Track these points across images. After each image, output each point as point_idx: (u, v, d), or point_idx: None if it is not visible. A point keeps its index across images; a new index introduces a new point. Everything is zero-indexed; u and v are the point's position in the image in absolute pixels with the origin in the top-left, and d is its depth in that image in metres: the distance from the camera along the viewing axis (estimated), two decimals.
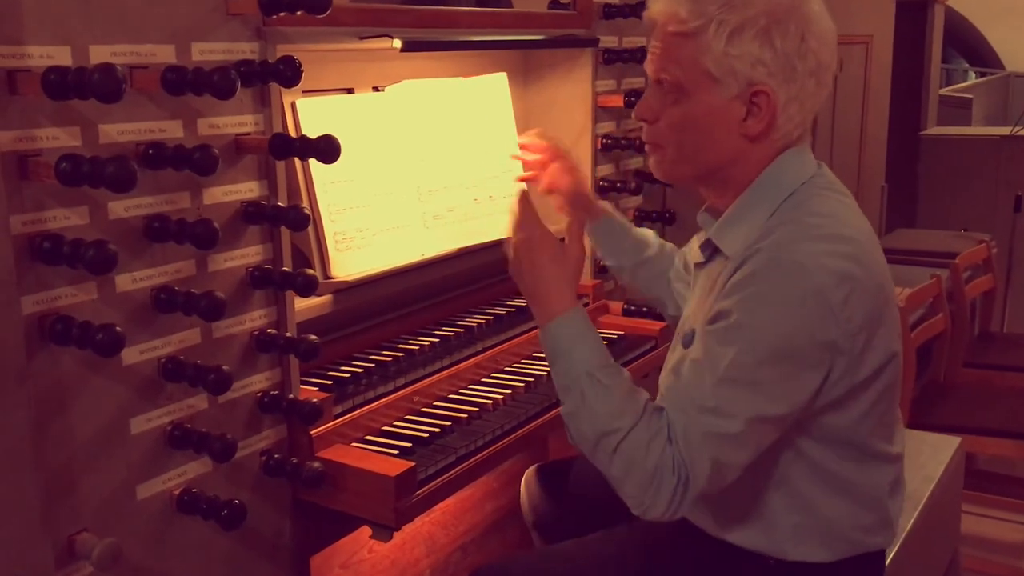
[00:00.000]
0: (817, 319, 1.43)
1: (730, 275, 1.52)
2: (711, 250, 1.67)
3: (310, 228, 1.95)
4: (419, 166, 2.21)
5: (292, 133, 1.88)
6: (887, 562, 1.98)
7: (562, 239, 1.66)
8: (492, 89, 2.38)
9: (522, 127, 2.63)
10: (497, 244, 2.35)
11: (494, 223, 2.34)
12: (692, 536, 1.70)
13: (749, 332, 1.45)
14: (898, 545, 2.04)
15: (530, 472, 2.21)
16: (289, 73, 1.52)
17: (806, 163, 1.59)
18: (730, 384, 1.44)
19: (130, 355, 1.47)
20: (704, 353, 1.49)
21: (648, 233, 2.17)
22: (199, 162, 1.39)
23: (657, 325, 2.50)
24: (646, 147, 1.66)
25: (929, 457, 2.45)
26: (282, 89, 1.86)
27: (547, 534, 2.11)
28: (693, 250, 1.81)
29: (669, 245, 2.17)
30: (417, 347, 2.11)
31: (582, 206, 2.14)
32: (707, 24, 1.49)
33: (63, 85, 1.22)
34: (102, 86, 1.18)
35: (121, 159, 1.22)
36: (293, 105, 1.93)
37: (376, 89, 2.17)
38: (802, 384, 1.47)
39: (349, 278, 1.98)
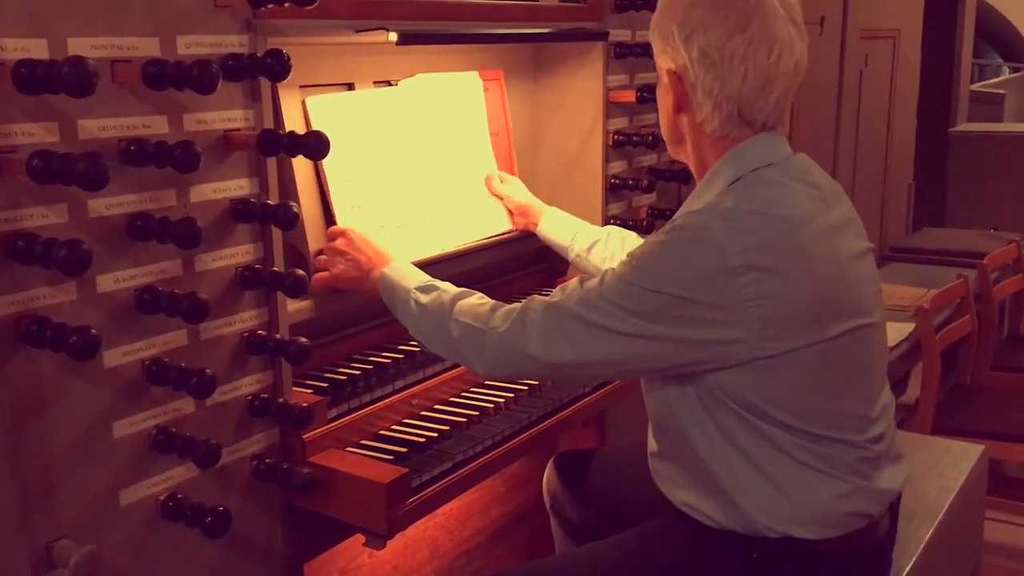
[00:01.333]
0: (705, 278, 1.47)
1: None
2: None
3: (319, 226, 1.92)
4: (432, 160, 2.16)
5: (299, 130, 1.84)
6: (904, 574, 1.91)
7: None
8: (466, 88, 2.32)
9: (533, 123, 2.58)
10: (512, 241, 2.32)
11: (486, 220, 2.31)
12: (697, 543, 1.64)
13: (637, 276, 1.51)
14: (915, 557, 1.96)
15: (553, 460, 2.29)
16: (278, 67, 1.47)
17: (769, 151, 1.60)
18: (606, 303, 1.52)
19: (112, 357, 1.43)
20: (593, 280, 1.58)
21: (604, 229, 2.28)
22: (180, 159, 1.35)
23: None
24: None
25: (949, 466, 2.36)
26: (284, 86, 1.84)
27: (564, 520, 2.21)
28: None
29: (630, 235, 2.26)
30: (418, 349, 2.05)
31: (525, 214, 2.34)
32: None
33: (33, 78, 1.17)
34: (72, 79, 1.14)
35: (92, 156, 1.17)
36: (304, 104, 1.90)
37: (382, 84, 2.12)
38: (671, 332, 1.50)
39: None
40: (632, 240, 2.22)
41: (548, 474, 2.27)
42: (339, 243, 1.85)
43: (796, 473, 1.56)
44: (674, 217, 1.60)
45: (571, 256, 2.27)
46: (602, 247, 2.21)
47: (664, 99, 1.69)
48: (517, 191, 2.34)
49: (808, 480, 1.57)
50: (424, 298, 1.74)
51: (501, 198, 2.32)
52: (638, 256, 1.54)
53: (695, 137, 1.66)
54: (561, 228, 2.29)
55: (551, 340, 1.57)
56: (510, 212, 2.34)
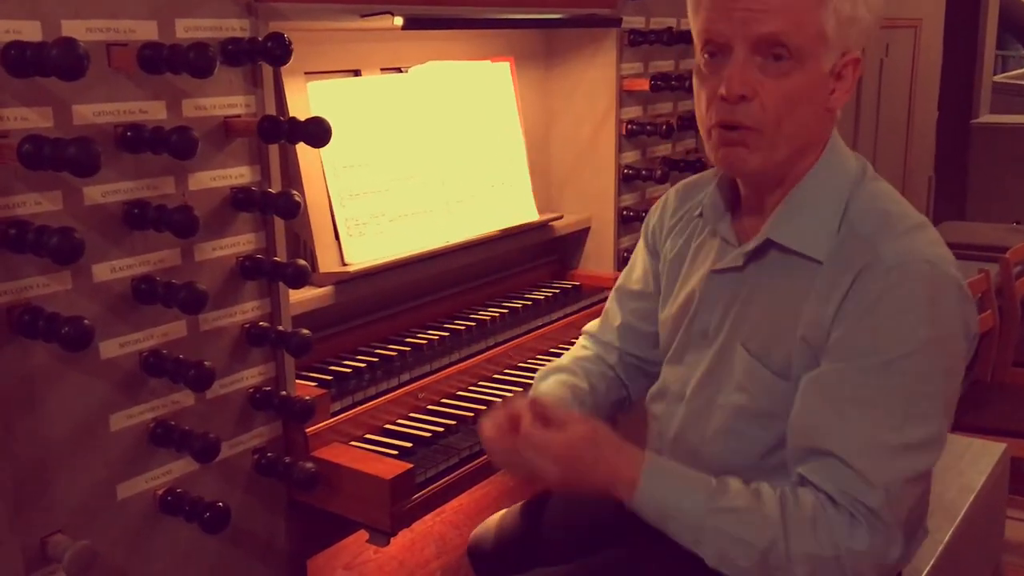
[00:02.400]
0: (963, 313, 1.33)
1: (842, 292, 1.31)
2: (754, 250, 1.42)
3: (326, 215, 1.88)
4: (441, 150, 2.12)
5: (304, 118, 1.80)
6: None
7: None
8: (496, 77, 2.29)
9: (544, 112, 2.53)
10: (523, 232, 2.27)
11: (511, 210, 2.26)
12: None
13: (915, 355, 1.28)
14: (933, 560, 1.91)
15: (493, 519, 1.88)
16: (279, 52, 1.43)
17: (845, 144, 1.45)
18: (919, 414, 1.29)
19: (109, 348, 1.39)
20: (861, 392, 1.29)
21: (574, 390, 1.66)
22: (177, 145, 1.31)
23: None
24: (731, 134, 1.34)
25: (969, 464, 2.30)
26: (289, 72, 1.80)
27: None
28: (692, 259, 1.57)
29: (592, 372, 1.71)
30: (425, 341, 2.02)
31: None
32: None
33: (23, 61, 1.14)
34: (61, 62, 1.10)
35: (83, 140, 1.13)
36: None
37: (390, 71, 2.08)
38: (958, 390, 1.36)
39: (363, 265, 1.90)
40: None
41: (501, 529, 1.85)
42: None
43: None
44: (836, 262, 1.34)
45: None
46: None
47: (818, 93, 1.34)
48: None
49: None
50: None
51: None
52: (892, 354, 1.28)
53: (823, 130, 1.40)
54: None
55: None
56: None
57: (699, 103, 1.40)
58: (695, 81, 1.41)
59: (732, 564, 1.31)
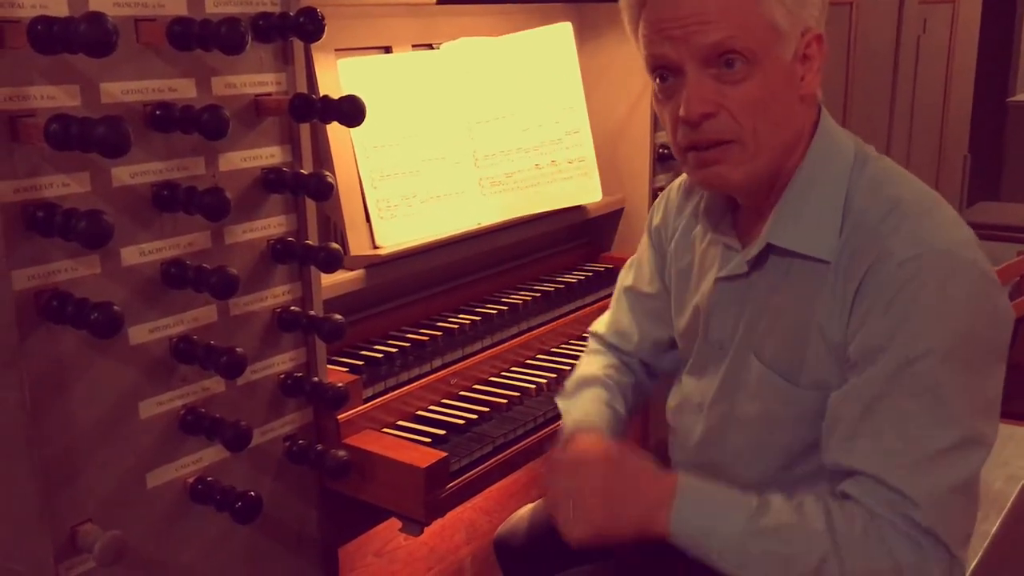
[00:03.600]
0: (988, 299, 1.21)
1: (854, 290, 1.23)
2: (761, 258, 1.34)
3: (356, 196, 1.84)
4: (475, 129, 2.07)
5: (334, 96, 1.76)
6: (970, 571, 1.80)
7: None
8: (555, 42, 2.21)
9: None
10: (555, 214, 2.22)
11: (556, 190, 2.20)
12: None
13: (935, 353, 1.18)
14: (980, 553, 1.85)
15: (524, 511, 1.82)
16: (311, 27, 1.38)
17: (837, 126, 1.34)
18: (949, 416, 1.18)
19: (138, 334, 1.36)
20: (891, 398, 1.20)
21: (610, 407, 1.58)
22: (208, 124, 1.27)
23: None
24: (706, 154, 1.25)
25: (1014, 454, 2.23)
26: (320, 49, 1.75)
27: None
28: (700, 265, 1.49)
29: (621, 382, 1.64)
30: (457, 326, 1.98)
31: None
32: None
33: (50, 36, 1.09)
34: (89, 37, 1.05)
35: (112, 120, 1.09)
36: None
37: (421, 47, 2.03)
38: (1000, 381, 1.24)
39: (394, 248, 1.86)
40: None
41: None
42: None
43: None
44: (843, 260, 1.25)
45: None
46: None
47: (787, 86, 1.24)
48: None
49: None
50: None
51: None
52: (924, 356, 1.18)
53: (799, 126, 1.30)
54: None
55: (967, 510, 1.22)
56: None
57: (666, 127, 1.31)
58: (655, 106, 1.32)
59: None
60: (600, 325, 1.73)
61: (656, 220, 1.62)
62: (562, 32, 2.21)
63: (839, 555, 1.18)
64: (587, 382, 1.60)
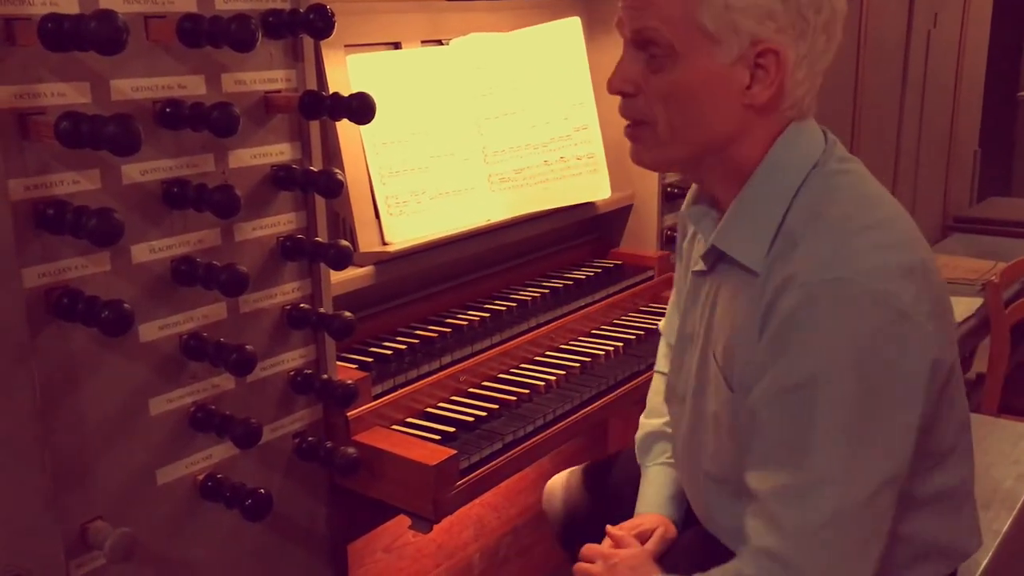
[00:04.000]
0: (886, 327, 1.17)
1: (768, 304, 1.23)
2: (715, 257, 1.37)
3: (366, 192, 1.83)
4: (485, 125, 2.07)
5: (343, 92, 1.75)
6: (980, 569, 1.80)
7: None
8: (564, 37, 2.21)
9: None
10: (564, 210, 2.21)
11: (565, 187, 2.20)
12: None
13: (823, 381, 1.17)
14: (992, 551, 1.84)
15: (559, 480, 1.92)
16: (321, 24, 1.37)
17: (814, 137, 1.31)
18: (825, 446, 1.18)
19: (148, 331, 1.36)
20: (773, 426, 1.22)
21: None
22: (218, 122, 1.26)
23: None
24: (626, 130, 1.33)
25: None
26: (329, 45, 1.75)
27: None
28: (690, 256, 1.52)
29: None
30: (466, 322, 1.97)
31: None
32: None
33: (60, 34, 1.09)
34: (100, 35, 1.05)
35: (123, 118, 1.09)
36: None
37: (430, 43, 2.02)
38: (903, 424, 1.21)
39: (403, 244, 1.85)
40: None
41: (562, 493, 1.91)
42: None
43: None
44: (765, 275, 1.26)
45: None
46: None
47: (717, 88, 1.25)
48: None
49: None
50: None
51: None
52: (807, 385, 1.19)
53: (744, 130, 1.29)
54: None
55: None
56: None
57: None
58: None
59: None
60: (663, 324, 1.78)
61: (683, 242, 1.60)
62: (571, 27, 2.20)
63: None
64: (658, 437, 1.69)
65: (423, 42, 2.00)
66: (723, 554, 1.37)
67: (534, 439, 1.73)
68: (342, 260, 1.47)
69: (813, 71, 1.27)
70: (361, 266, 1.78)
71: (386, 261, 1.82)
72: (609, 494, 1.81)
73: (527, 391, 1.83)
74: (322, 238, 1.55)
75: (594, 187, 2.23)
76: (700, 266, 1.41)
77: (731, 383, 1.33)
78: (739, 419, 1.31)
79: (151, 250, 1.34)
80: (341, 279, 1.70)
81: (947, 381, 1.28)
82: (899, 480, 1.22)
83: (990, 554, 1.83)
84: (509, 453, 1.68)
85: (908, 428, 1.21)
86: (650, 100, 1.27)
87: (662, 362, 1.77)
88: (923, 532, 1.36)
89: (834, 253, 1.20)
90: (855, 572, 1.22)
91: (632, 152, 1.35)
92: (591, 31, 2.41)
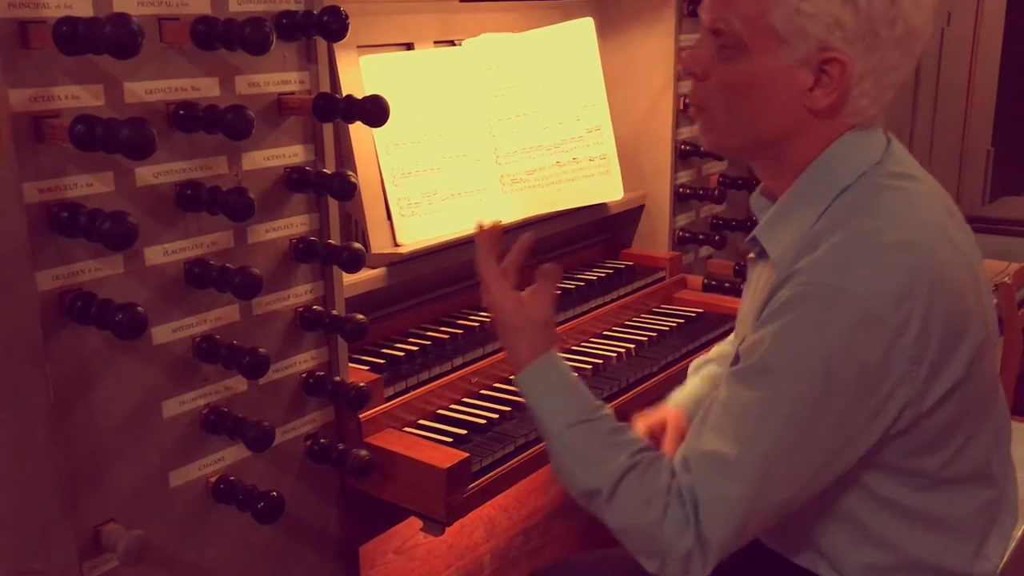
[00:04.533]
0: (865, 349, 1.19)
1: (770, 293, 1.28)
2: (759, 248, 1.41)
3: (378, 194, 1.83)
4: (497, 126, 2.06)
5: (357, 93, 1.75)
6: None
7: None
8: (577, 37, 2.20)
9: None
10: (576, 211, 2.21)
11: (578, 188, 2.19)
12: (769, 561, 1.50)
13: (783, 374, 1.21)
14: (1005, 557, 1.83)
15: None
16: (335, 26, 1.37)
17: (871, 146, 1.32)
18: (761, 440, 1.22)
19: (161, 333, 1.36)
20: (729, 395, 1.27)
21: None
22: (231, 124, 1.26)
23: (739, 302, 2.30)
24: (691, 108, 1.40)
25: None
26: (341, 46, 1.74)
27: None
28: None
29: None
30: (477, 323, 1.97)
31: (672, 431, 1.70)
32: None
33: (75, 38, 1.09)
34: (114, 38, 1.05)
35: (137, 121, 1.09)
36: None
37: (443, 44, 2.02)
38: (847, 427, 1.23)
39: (415, 246, 1.85)
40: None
41: None
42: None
43: (905, 534, 1.38)
44: (783, 268, 1.28)
45: None
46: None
47: (779, 87, 1.28)
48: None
49: (920, 540, 1.39)
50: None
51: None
52: (764, 368, 1.24)
53: (801, 130, 1.31)
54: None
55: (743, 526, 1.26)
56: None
57: None
58: None
59: (565, 482, 1.35)
60: None
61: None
62: (584, 28, 2.19)
63: (610, 501, 1.28)
64: (709, 360, 1.73)
65: (436, 43, 1.99)
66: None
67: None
68: (355, 263, 1.47)
69: (881, 84, 1.28)
70: (373, 267, 1.77)
71: (398, 262, 1.81)
72: None
73: None
74: (334, 240, 1.54)
75: (607, 188, 2.22)
76: (751, 254, 1.47)
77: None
78: None
79: (164, 252, 1.34)
80: (353, 280, 1.70)
81: (927, 413, 1.27)
82: (812, 491, 1.27)
83: (1004, 559, 1.82)
84: (521, 456, 1.68)
85: (847, 444, 1.24)
86: (714, 87, 1.32)
87: None
88: (910, 546, 1.37)
89: (843, 262, 1.22)
90: (742, 538, 1.26)
91: (698, 132, 1.41)
92: (604, 31, 2.41)
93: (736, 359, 1.36)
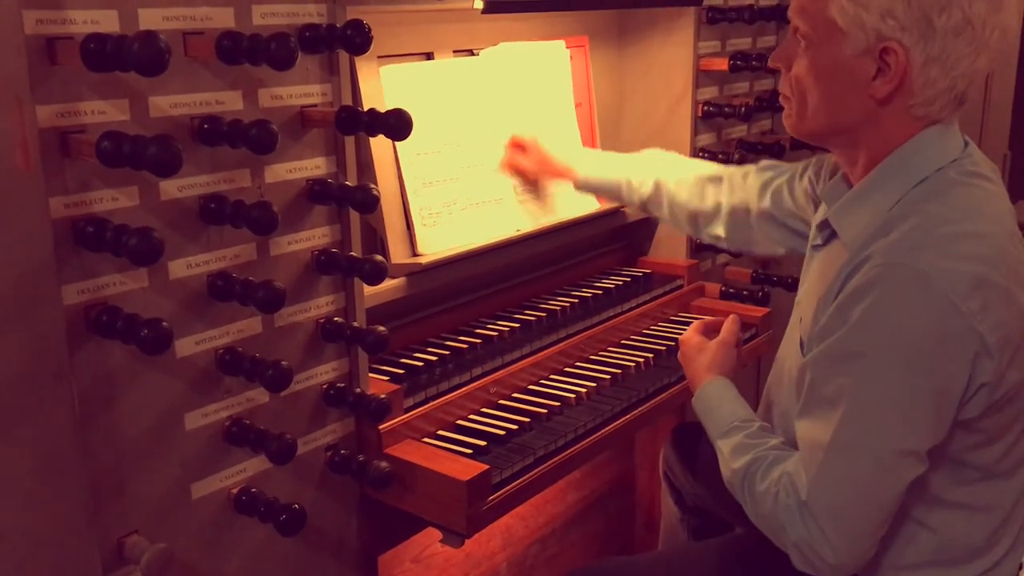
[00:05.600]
0: (950, 326, 1.24)
1: (845, 277, 1.33)
2: (828, 232, 1.50)
3: (397, 204, 1.83)
4: (512, 135, 2.06)
5: (377, 103, 1.75)
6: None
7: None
8: (555, 57, 2.21)
9: (617, 93, 2.45)
10: (592, 219, 2.20)
11: (589, 197, 2.19)
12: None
13: (867, 358, 1.27)
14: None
15: (672, 430, 2.23)
16: (358, 39, 1.37)
17: (949, 144, 1.38)
18: (857, 419, 1.29)
19: (185, 346, 1.36)
20: (820, 380, 1.34)
21: (652, 161, 2.07)
22: (256, 139, 1.26)
23: (758, 311, 2.30)
24: (780, 99, 1.51)
25: None
26: (362, 56, 1.74)
27: (674, 488, 2.16)
28: (813, 227, 1.62)
29: (702, 173, 2.00)
30: (496, 333, 1.97)
31: (552, 173, 2.08)
32: None
33: (102, 55, 1.09)
34: (142, 56, 1.05)
35: (163, 140, 1.09)
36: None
37: (462, 53, 2.02)
38: (940, 404, 1.28)
39: (435, 256, 1.85)
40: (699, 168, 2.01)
41: (666, 443, 2.19)
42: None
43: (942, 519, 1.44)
44: (856, 252, 1.34)
45: (635, 199, 2.05)
46: (685, 188, 1.99)
47: (846, 76, 1.35)
48: (540, 155, 2.06)
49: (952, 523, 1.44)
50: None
51: (523, 171, 2.07)
52: (851, 352, 1.30)
53: (871, 119, 1.37)
54: (606, 170, 2.07)
55: (853, 516, 1.34)
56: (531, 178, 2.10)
57: None
58: None
59: (731, 485, 1.49)
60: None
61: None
62: (557, 49, 2.20)
63: (747, 488, 1.43)
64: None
65: (455, 52, 1.99)
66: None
67: (565, 453, 1.72)
68: (377, 275, 1.47)
69: (950, 74, 1.31)
70: (393, 277, 1.78)
71: (417, 272, 1.81)
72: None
73: (558, 403, 1.82)
74: (356, 251, 1.54)
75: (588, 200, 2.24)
76: (817, 240, 1.55)
77: (804, 347, 1.46)
78: (803, 381, 1.40)
79: (188, 266, 1.35)
80: (373, 291, 1.70)
81: (998, 404, 1.32)
82: (916, 455, 1.31)
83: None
84: (541, 467, 1.67)
85: (932, 428, 1.30)
86: (793, 79, 1.43)
87: None
88: (948, 533, 1.43)
89: (918, 244, 1.28)
90: (862, 525, 1.33)
91: (783, 118, 1.51)
92: (623, 39, 2.41)
93: (801, 345, 1.48)
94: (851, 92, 1.36)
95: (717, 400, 1.59)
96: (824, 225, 1.50)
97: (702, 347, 1.69)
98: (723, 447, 1.51)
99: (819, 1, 1.35)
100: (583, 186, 2.09)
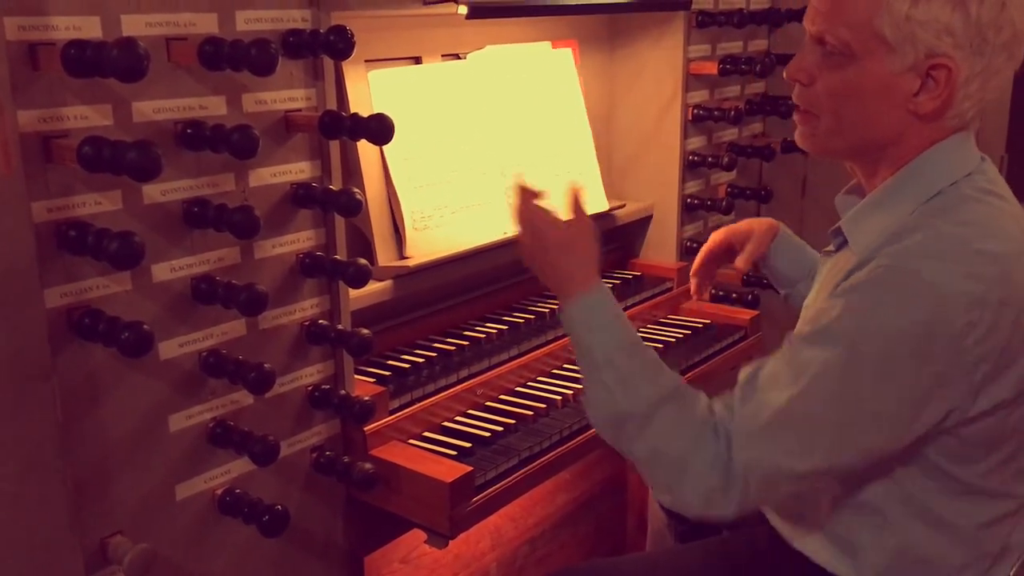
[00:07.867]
0: (928, 343, 1.23)
1: (847, 274, 1.33)
2: (841, 239, 1.46)
3: (384, 207, 1.84)
4: (501, 139, 2.07)
5: (365, 107, 1.76)
6: None
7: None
8: (560, 60, 2.22)
9: (607, 97, 2.46)
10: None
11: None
12: (788, 560, 1.53)
13: (849, 341, 1.26)
14: (1017, 565, 1.82)
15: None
16: (341, 45, 1.38)
17: (966, 156, 1.35)
18: (813, 396, 1.28)
19: (168, 349, 1.37)
20: (789, 351, 1.33)
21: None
22: (238, 144, 1.28)
23: (747, 314, 2.31)
24: (796, 114, 1.43)
25: None
26: (349, 60, 1.75)
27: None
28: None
29: None
30: (483, 335, 1.98)
31: (753, 244, 1.88)
32: None
33: (82, 61, 1.10)
34: (121, 63, 1.06)
35: (143, 145, 1.10)
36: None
37: (450, 57, 2.03)
38: (894, 410, 1.27)
39: (423, 258, 1.86)
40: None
41: None
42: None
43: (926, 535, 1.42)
44: (864, 255, 1.32)
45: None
46: None
47: (886, 92, 1.31)
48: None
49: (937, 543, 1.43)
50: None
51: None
52: (832, 332, 1.28)
53: (905, 133, 1.34)
54: (795, 259, 1.89)
55: (776, 481, 1.34)
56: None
57: None
58: None
59: (593, 408, 1.41)
60: None
61: None
62: (562, 54, 2.21)
63: (647, 422, 1.34)
64: None
65: (443, 56, 2.01)
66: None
67: (550, 455, 1.73)
68: (361, 278, 1.48)
69: (986, 87, 1.31)
70: (380, 280, 1.79)
71: (404, 275, 1.82)
72: None
73: (544, 406, 1.83)
74: (341, 254, 1.56)
75: (593, 199, 2.25)
76: (830, 246, 1.51)
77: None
78: None
79: (171, 269, 1.36)
80: (360, 294, 1.71)
81: (975, 419, 1.30)
82: (864, 451, 1.30)
83: (1015, 567, 1.81)
84: (525, 469, 1.69)
85: (892, 427, 1.28)
86: (820, 93, 1.36)
87: None
88: (922, 546, 1.41)
89: (924, 253, 1.26)
90: (779, 494, 1.38)
91: (797, 136, 1.44)
92: (613, 43, 2.42)
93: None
94: (891, 108, 1.31)
95: (615, 314, 1.42)
96: (837, 232, 1.46)
97: (568, 240, 1.43)
98: (620, 360, 1.36)
99: (865, 13, 1.27)
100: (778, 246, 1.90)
